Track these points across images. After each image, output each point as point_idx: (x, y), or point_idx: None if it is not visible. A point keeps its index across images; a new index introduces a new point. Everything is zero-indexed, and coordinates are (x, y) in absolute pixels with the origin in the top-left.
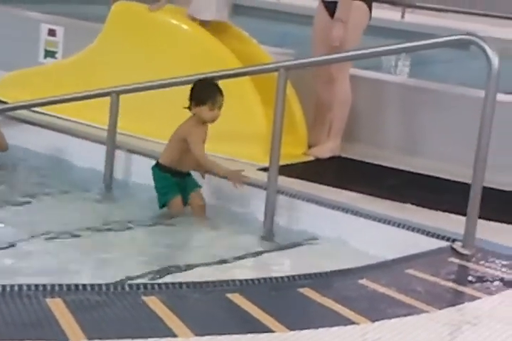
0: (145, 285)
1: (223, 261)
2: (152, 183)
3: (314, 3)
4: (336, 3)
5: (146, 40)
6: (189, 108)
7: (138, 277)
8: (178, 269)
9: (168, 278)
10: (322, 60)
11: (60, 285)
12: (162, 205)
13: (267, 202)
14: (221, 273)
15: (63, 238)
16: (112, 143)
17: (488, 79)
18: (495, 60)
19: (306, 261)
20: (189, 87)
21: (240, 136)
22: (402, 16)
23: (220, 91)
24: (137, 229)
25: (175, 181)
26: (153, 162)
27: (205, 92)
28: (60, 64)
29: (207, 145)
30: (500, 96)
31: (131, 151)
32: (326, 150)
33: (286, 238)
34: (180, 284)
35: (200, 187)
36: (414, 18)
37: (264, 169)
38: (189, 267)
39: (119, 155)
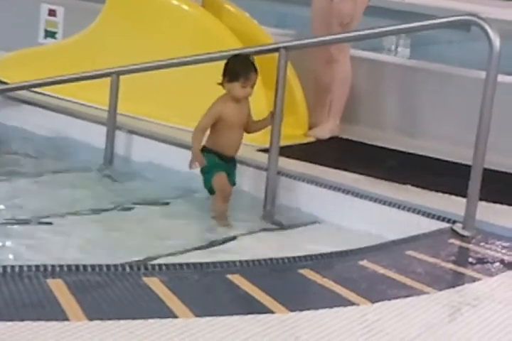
0: (145, 266)
1: (224, 242)
2: (152, 163)
3: None
4: None
5: (146, 21)
6: (221, 84)
7: (138, 257)
8: (179, 250)
9: (169, 259)
10: (323, 40)
11: (61, 266)
12: (209, 188)
13: (267, 183)
14: (222, 254)
15: (63, 217)
16: (112, 124)
17: (490, 60)
18: (496, 41)
19: (307, 242)
20: (189, 67)
21: None
22: None
23: (254, 68)
24: (138, 209)
25: (221, 162)
26: (153, 142)
27: (238, 68)
28: (60, 44)
29: None
30: (502, 77)
31: (132, 132)
32: (325, 130)
33: (286, 219)
34: (181, 265)
35: (234, 184)
36: None
37: (265, 150)
38: (190, 248)
39: (119, 135)
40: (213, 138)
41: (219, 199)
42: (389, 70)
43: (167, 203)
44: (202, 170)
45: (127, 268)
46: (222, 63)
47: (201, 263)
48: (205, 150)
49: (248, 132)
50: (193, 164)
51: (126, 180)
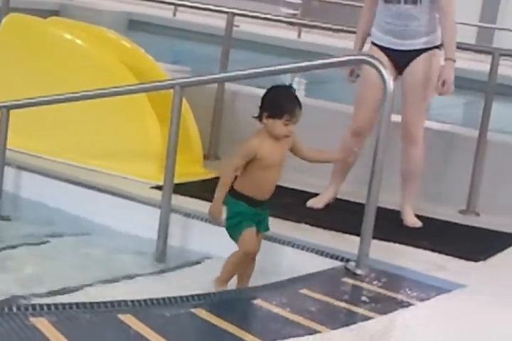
0: (33, 306)
1: (115, 282)
2: (43, 201)
3: (210, 20)
4: (404, 51)
5: (40, 54)
6: (258, 118)
7: (26, 298)
8: (69, 289)
9: (58, 299)
10: (216, 78)
11: None
12: (236, 240)
13: (160, 221)
14: (113, 293)
15: None
16: (1, 160)
17: (383, 100)
18: (390, 81)
19: (200, 280)
20: (83, 102)
21: (135, 154)
22: (299, 35)
23: (299, 103)
24: (27, 247)
25: (251, 210)
26: (46, 179)
27: (283, 102)
28: None
29: (99, 163)
30: (396, 117)
31: (21, 168)
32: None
33: (179, 257)
34: (71, 305)
35: (267, 230)
36: (310, 37)
37: (159, 187)
38: (80, 287)
39: (9, 171)
40: (245, 180)
41: (238, 260)
42: None
43: (53, 241)
44: (228, 221)
45: (14, 309)
46: (113, 98)
47: (92, 303)
48: (233, 195)
49: (309, 161)
50: (211, 216)
51: (14, 217)
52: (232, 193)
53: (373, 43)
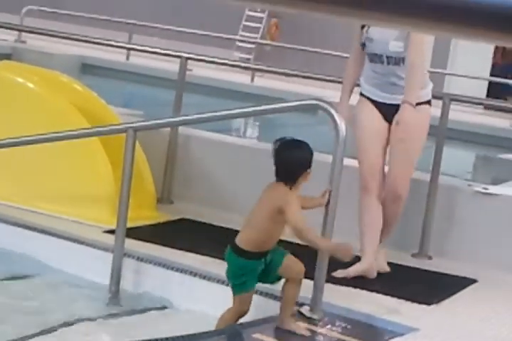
0: None
1: (66, 327)
2: None
3: (163, 64)
4: (391, 105)
5: None
6: (294, 180)
7: None
8: (19, 337)
9: None
10: (171, 122)
11: None
12: (235, 294)
13: (113, 265)
14: (64, 340)
15: None
16: None
17: (336, 144)
18: (342, 125)
19: (153, 326)
20: (35, 146)
21: (87, 198)
22: (252, 80)
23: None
24: None
25: (259, 264)
26: None
27: (309, 154)
28: None
29: (51, 206)
30: (348, 161)
31: None
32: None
33: (132, 303)
34: None
35: (279, 279)
36: (263, 82)
37: (111, 231)
38: (30, 334)
39: None
40: (261, 235)
41: (232, 316)
42: (237, 152)
43: (1, 285)
44: (232, 276)
45: None
46: (65, 142)
47: None
48: (241, 254)
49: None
50: (345, 258)
51: None
52: (240, 252)
53: (361, 94)
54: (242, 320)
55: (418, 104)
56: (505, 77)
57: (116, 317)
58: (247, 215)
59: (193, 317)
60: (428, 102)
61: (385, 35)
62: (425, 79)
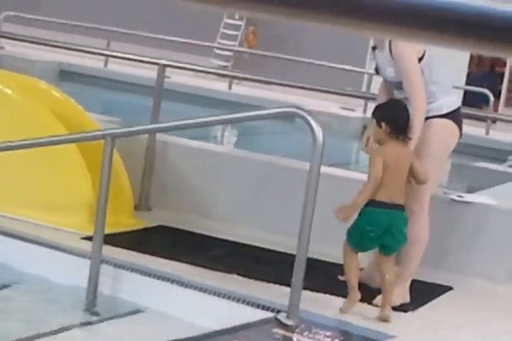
0: None
1: (43, 335)
2: None
3: (142, 71)
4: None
5: None
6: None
7: None
8: None
9: None
10: (149, 129)
11: None
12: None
13: (90, 272)
14: None
15: None
16: None
17: (313, 152)
18: (319, 133)
19: (130, 332)
20: (12, 152)
21: (65, 204)
22: (230, 87)
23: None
24: None
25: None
26: None
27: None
28: None
29: (29, 213)
30: (324, 169)
31: None
32: (396, 296)
33: (110, 309)
34: None
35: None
36: (241, 89)
37: (89, 238)
38: None
39: None
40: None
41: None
42: (215, 159)
43: None
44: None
45: None
46: (43, 148)
47: None
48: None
49: None
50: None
51: None
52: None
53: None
54: (219, 327)
55: (427, 118)
56: (481, 86)
57: (94, 324)
58: None
59: (170, 324)
60: (438, 116)
61: (383, 61)
62: (431, 93)
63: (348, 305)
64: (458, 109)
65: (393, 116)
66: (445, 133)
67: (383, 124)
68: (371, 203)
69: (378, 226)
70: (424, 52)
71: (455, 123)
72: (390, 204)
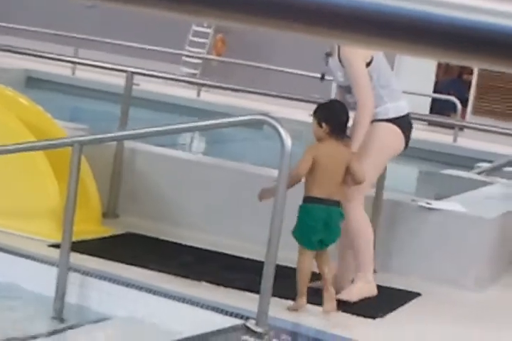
0: None
1: None
2: None
3: (110, 78)
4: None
5: None
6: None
7: None
8: None
9: None
10: (117, 136)
11: None
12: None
13: (58, 280)
14: None
15: None
16: None
17: (281, 159)
18: (287, 140)
19: (98, 340)
20: None
21: (32, 211)
22: (198, 95)
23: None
24: None
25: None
26: None
27: None
28: None
29: None
30: None
31: None
32: (352, 292)
33: (77, 317)
34: None
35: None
36: (210, 97)
37: (56, 245)
38: None
39: None
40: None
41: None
42: (183, 166)
43: None
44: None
45: None
46: (10, 156)
47: None
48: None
49: None
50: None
51: None
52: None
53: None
54: (188, 335)
55: (373, 121)
56: (448, 94)
57: (61, 332)
58: None
59: (138, 331)
60: (383, 120)
61: (333, 66)
62: (379, 97)
63: (293, 309)
64: (406, 115)
65: (333, 117)
66: (388, 137)
67: (323, 124)
68: (308, 199)
69: (318, 220)
70: (372, 57)
71: (400, 129)
72: (327, 200)
